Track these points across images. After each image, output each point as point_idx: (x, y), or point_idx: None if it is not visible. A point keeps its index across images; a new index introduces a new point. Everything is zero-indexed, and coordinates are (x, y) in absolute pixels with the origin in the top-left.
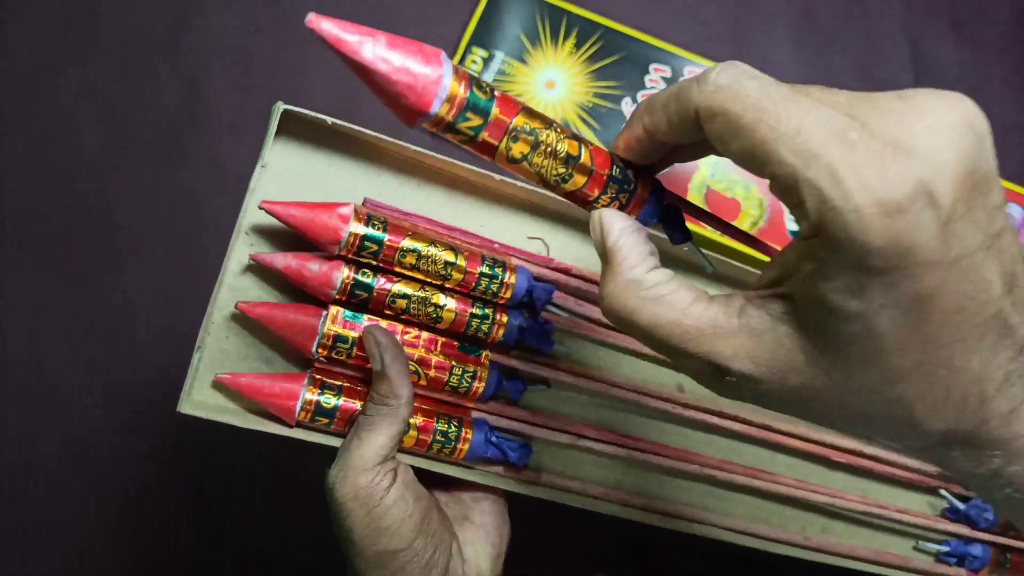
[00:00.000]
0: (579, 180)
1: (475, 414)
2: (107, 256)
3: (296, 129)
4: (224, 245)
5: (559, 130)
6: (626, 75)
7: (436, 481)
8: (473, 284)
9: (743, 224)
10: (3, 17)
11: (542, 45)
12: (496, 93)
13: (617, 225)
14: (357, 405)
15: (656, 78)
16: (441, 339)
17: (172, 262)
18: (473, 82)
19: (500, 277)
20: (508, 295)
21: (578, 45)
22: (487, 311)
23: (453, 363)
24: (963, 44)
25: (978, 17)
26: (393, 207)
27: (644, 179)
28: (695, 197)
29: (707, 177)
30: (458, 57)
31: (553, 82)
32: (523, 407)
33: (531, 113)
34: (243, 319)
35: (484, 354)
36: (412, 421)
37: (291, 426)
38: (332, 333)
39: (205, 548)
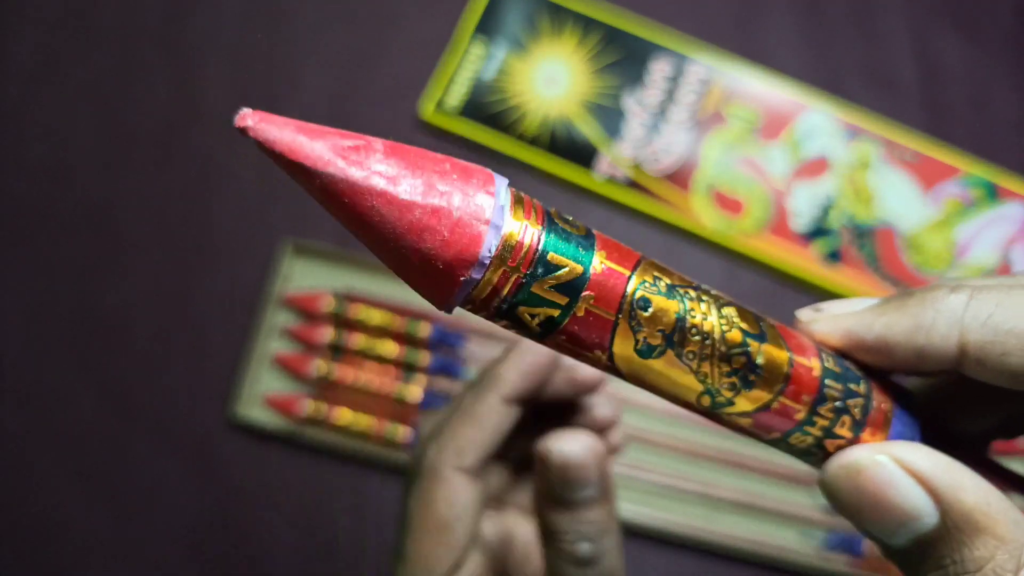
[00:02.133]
0: (762, 393)
1: None
2: (103, 255)
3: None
4: (223, 244)
5: (714, 298)
6: (627, 73)
7: None
8: None
9: (745, 224)
10: (1, 15)
11: (543, 42)
12: (593, 232)
13: (967, 482)
14: None
15: (657, 78)
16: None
17: (169, 261)
18: (551, 218)
19: None
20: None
21: (580, 42)
22: None
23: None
24: (968, 41)
25: (983, 14)
26: None
27: (877, 379)
28: (700, 199)
29: (711, 177)
30: (458, 57)
31: (555, 79)
32: None
33: (660, 267)
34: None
35: None
36: None
37: None
38: None
39: (204, 548)
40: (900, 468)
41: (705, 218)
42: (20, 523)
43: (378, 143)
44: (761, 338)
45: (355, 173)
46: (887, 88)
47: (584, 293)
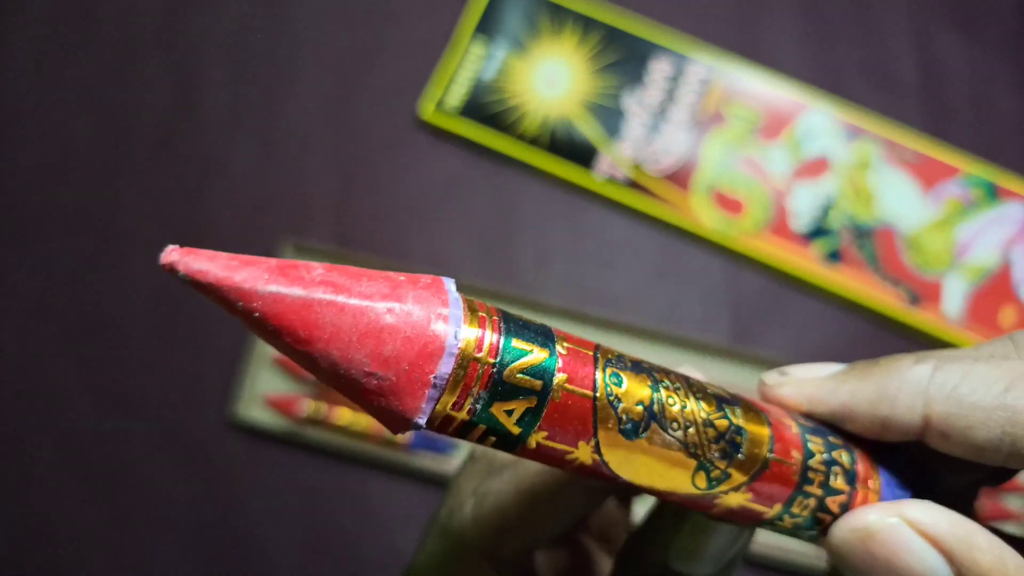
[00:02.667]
0: (753, 454)
1: None
2: (103, 255)
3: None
4: (223, 244)
5: (675, 373)
6: (627, 73)
7: None
8: None
9: (745, 224)
10: (0, 14)
11: (543, 42)
12: (559, 349)
13: (981, 541)
14: None
15: (657, 78)
16: None
17: None
18: (506, 316)
19: None
20: None
21: (580, 42)
22: None
23: None
24: (968, 41)
25: (983, 14)
26: None
27: (856, 442)
28: (700, 199)
29: (712, 177)
30: (458, 57)
31: (555, 79)
32: None
33: (615, 350)
34: None
35: None
36: None
37: None
38: None
39: (203, 547)
40: (912, 530)
41: (705, 218)
42: (19, 523)
43: (316, 265)
44: (733, 402)
45: (296, 290)
46: (887, 88)
47: (557, 376)
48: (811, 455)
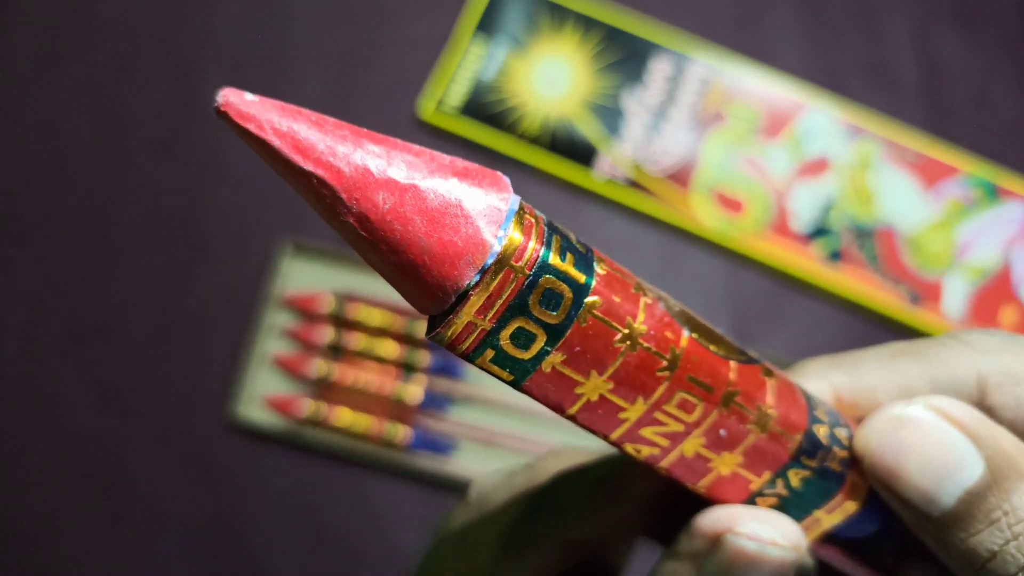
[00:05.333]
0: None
1: None
2: (102, 255)
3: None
4: (222, 244)
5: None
6: (627, 73)
7: None
8: None
9: (746, 224)
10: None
11: (544, 41)
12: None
13: (999, 428)
14: None
15: (658, 77)
16: None
17: (168, 260)
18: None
19: None
20: None
21: (580, 42)
22: None
23: None
24: (970, 41)
25: (985, 14)
26: None
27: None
28: (700, 199)
29: (712, 177)
30: (458, 56)
31: (555, 79)
32: None
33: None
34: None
35: None
36: None
37: None
38: None
39: (202, 548)
40: (941, 417)
41: (705, 218)
42: (18, 523)
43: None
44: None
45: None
46: (888, 87)
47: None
48: (800, 384)
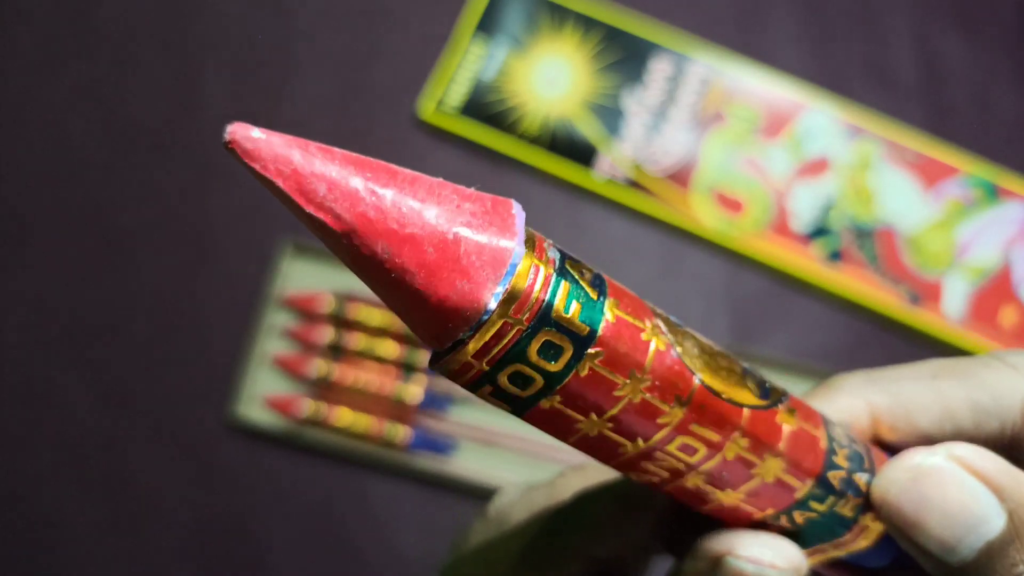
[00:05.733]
0: (781, 391)
1: None
2: (102, 255)
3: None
4: (223, 244)
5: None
6: (627, 73)
7: None
8: None
9: (746, 224)
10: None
11: (544, 41)
12: (609, 295)
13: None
14: None
15: (658, 77)
16: None
17: (169, 261)
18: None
19: None
20: None
21: (580, 42)
22: None
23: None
24: (970, 41)
25: (985, 14)
26: None
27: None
28: (700, 199)
29: (712, 177)
30: (458, 56)
31: (555, 79)
32: None
33: (667, 321)
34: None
35: None
36: None
37: None
38: None
39: (203, 548)
40: (963, 468)
41: (705, 218)
42: (18, 523)
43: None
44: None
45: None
46: (888, 87)
47: (609, 284)
48: (830, 423)
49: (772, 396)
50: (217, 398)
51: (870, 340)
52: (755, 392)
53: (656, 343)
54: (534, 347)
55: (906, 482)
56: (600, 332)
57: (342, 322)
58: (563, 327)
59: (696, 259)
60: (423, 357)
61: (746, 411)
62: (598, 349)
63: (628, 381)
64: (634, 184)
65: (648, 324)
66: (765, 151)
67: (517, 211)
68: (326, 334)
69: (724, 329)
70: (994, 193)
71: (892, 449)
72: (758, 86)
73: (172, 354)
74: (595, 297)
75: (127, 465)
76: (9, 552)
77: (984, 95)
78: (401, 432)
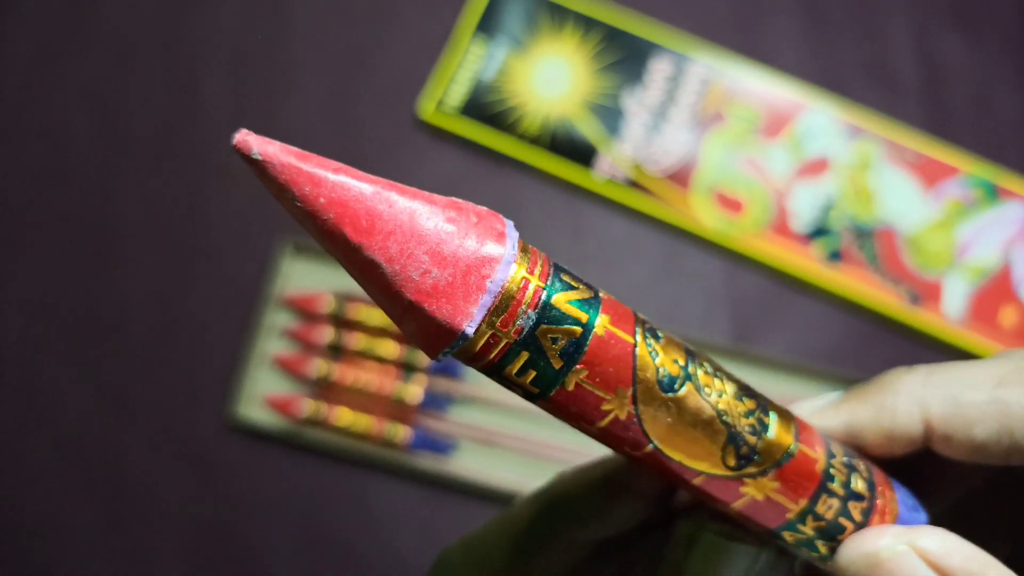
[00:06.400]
0: (783, 433)
1: None
2: (102, 255)
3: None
4: (222, 244)
5: (714, 364)
6: (627, 73)
7: None
8: None
9: (746, 224)
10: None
11: (544, 41)
12: (601, 295)
13: (993, 573)
14: None
15: (658, 77)
16: None
17: (168, 261)
18: (556, 270)
19: None
20: None
21: (580, 42)
22: None
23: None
24: (970, 41)
25: (985, 14)
26: None
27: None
28: (700, 199)
29: (712, 177)
30: (458, 56)
31: (555, 79)
32: None
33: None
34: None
35: None
36: None
37: None
38: None
39: (202, 548)
40: (922, 561)
41: (705, 218)
42: (17, 523)
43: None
44: (757, 392)
45: (364, 184)
46: (888, 88)
47: (600, 316)
48: (832, 455)
49: (752, 463)
50: (217, 398)
51: (870, 340)
52: (729, 458)
53: (617, 414)
54: (512, 368)
55: (863, 566)
56: (570, 376)
57: (342, 322)
58: (534, 361)
59: (696, 259)
60: (423, 357)
61: (700, 478)
62: (567, 383)
63: (613, 398)
64: (634, 184)
65: (626, 378)
66: (765, 151)
67: (508, 235)
68: (326, 334)
69: (724, 329)
70: (994, 193)
71: (940, 463)
72: (758, 86)
73: (172, 354)
74: (578, 336)
75: (127, 465)
76: (8, 552)
77: (984, 95)
78: (401, 432)
